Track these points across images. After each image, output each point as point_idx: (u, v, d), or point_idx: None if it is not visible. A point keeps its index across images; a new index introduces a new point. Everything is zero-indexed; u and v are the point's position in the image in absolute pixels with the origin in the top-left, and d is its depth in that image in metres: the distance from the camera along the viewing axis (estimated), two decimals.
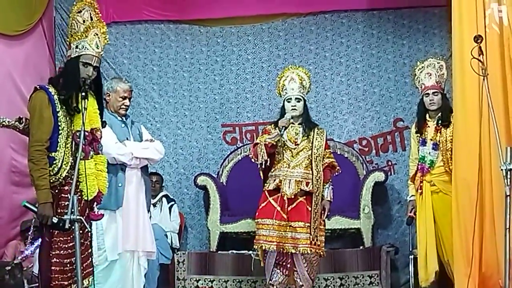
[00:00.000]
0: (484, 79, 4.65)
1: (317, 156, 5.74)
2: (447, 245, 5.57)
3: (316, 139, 5.80)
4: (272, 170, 5.79)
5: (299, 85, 5.83)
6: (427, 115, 5.85)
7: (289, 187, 5.68)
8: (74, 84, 4.31)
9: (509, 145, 4.52)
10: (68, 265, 4.25)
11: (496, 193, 4.95)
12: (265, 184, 5.80)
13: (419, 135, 5.86)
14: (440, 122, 5.75)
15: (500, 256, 4.81)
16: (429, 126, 5.82)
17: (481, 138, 5.01)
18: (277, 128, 5.73)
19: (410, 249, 6.03)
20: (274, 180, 5.73)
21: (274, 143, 5.71)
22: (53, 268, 4.23)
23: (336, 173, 5.90)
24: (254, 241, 5.75)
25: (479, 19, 5.05)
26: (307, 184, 5.68)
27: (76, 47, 4.39)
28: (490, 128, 4.87)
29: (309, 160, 5.75)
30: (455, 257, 5.25)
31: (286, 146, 5.78)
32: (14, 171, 7.09)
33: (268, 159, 5.68)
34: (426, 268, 5.69)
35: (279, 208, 5.67)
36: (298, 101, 5.81)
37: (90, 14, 4.45)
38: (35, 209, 4.16)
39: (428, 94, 5.80)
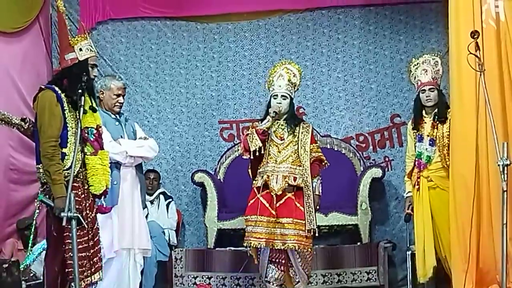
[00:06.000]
0: (480, 75, 4.66)
1: (304, 151, 5.76)
2: (445, 240, 5.58)
3: (302, 133, 5.84)
4: (259, 167, 5.81)
5: (287, 83, 5.88)
6: (424, 111, 5.85)
7: (276, 183, 5.71)
8: (84, 86, 4.39)
9: (505, 141, 4.53)
10: (83, 259, 4.35)
11: (493, 189, 4.96)
12: (254, 181, 5.84)
13: (416, 131, 5.86)
14: (436, 118, 5.75)
15: (497, 251, 4.82)
16: (425, 122, 5.82)
17: (478, 133, 5.02)
18: (268, 115, 5.76)
19: (408, 245, 6.03)
20: (262, 176, 5.76)
21: (266, 129, 5.73)
22: (68, 262, 4.27)
23: (324, 167, 5.93)
24: (244, 238, 5.77)
25: (476, 14, 5.05)
26: (294, 179, 5.72)
27: (80, 50, 4.47)
28: (487, 123, 4.88)
29: (296, 155, 5.78)
30: (453, 253, 5.26)
31: (272, 142, 5.80)
32: (12, 168, 7.09)
33: (262, 147, 5.69)
34: (424, 264, 5.69)
35: (267, 205, 5.69)
36: (284, 99, 5.85)
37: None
38: (52, 204, 4.24)
39: (424, 90, 5.80)
